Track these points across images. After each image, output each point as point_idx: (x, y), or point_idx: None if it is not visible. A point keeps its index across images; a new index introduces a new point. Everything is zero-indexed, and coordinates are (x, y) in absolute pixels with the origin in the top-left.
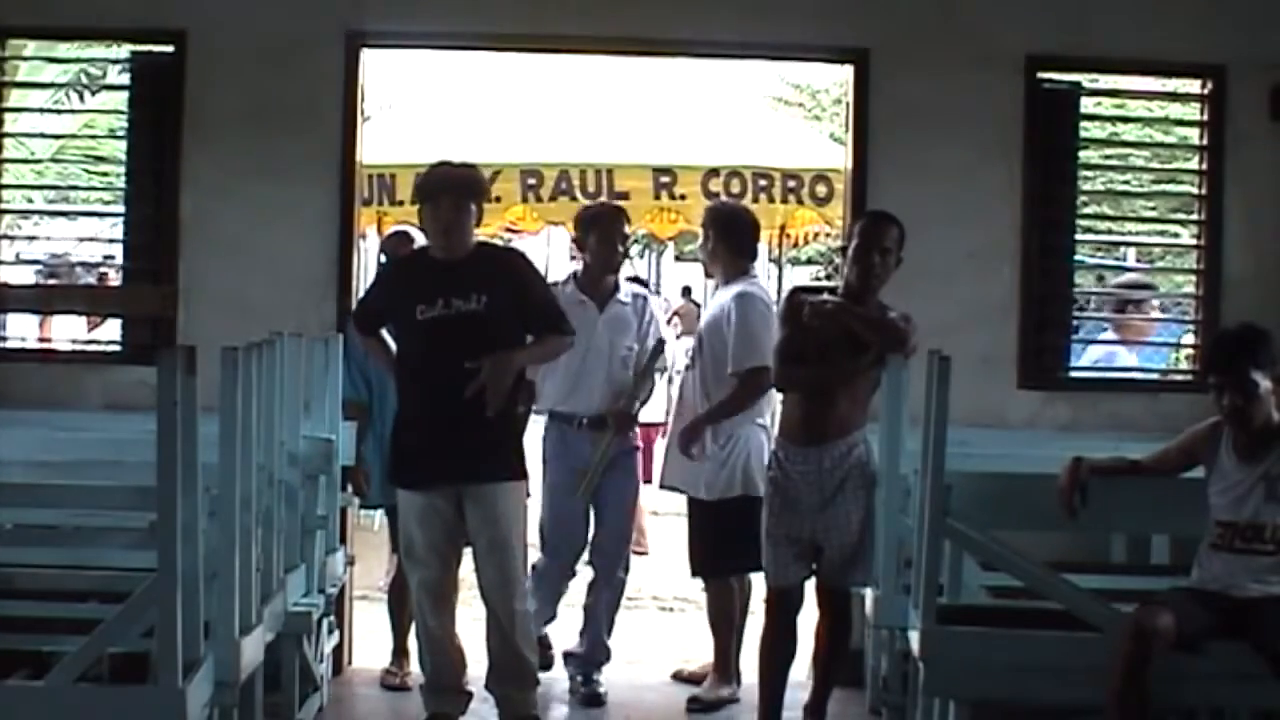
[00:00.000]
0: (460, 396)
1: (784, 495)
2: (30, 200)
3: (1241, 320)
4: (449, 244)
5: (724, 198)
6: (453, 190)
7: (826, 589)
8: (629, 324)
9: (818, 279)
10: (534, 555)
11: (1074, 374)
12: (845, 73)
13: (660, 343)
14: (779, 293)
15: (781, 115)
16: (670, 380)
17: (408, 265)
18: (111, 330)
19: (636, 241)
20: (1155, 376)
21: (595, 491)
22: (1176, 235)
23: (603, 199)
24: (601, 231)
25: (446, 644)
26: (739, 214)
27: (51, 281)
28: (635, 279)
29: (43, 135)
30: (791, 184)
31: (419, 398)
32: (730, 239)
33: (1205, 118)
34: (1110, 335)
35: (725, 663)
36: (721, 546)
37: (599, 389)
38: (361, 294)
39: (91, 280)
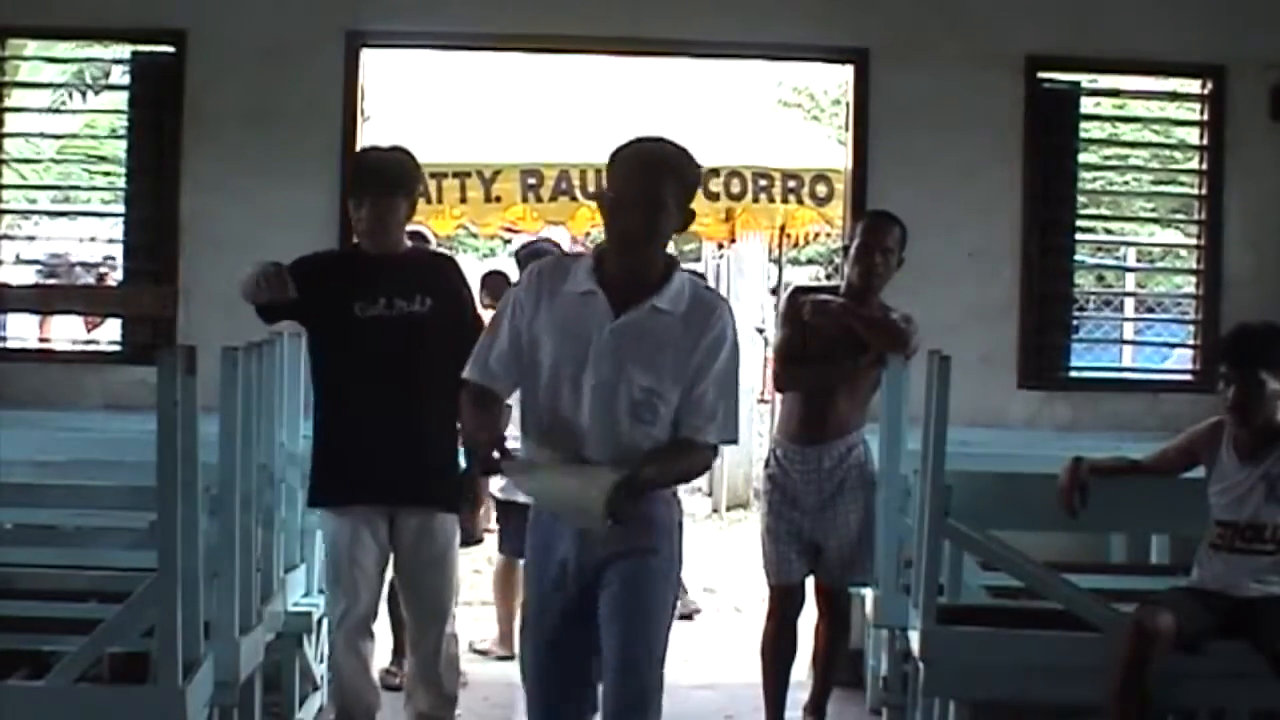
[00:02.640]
0: (405, 404)
1: (784, 493)
2: (32, 201)
3: (1248, 319)
4: (378, 240)
5: (724, 197)
6: (376, 183)
7: (826, 589)
8: None
9: (817, 279)
10: None
11: (1074, 374)
12: (845, 73)
13: None
14: (779, 293)
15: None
16: None
17: (331, 260)
18: (111, 330)
19: None
20: (1155, 376)
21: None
22: (1176, 235)
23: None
24: None
25: (366, 685)
26: None
27: (51, 281)
28: None
29: (43, 135)
30: (791, 184)
31: (356, 404)
32: None
33: (1205, 118)
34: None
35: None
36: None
37: None
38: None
39: (91, 280)
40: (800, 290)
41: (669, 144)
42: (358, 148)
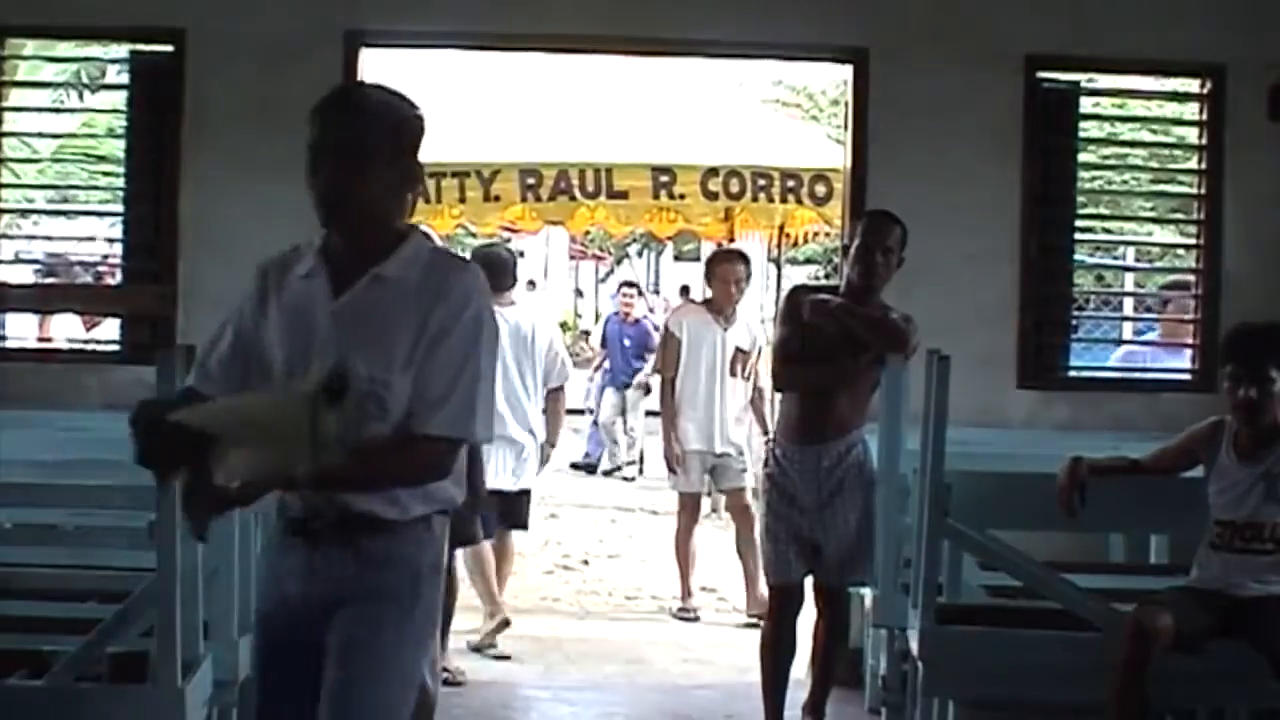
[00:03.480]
0: None
1: (783, 492)
2: (30, 200)
3: (1247, 318)
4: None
5: (723, 197)
6: None
7: (825, 588)
8: None
9: (816, 278)
10: None
11: (1073, 374)
12: (844, 72)
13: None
14: (778, 292)
15: (780, 115)
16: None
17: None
18: (110, 330)
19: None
20: (1155, 376)
21: None
22: (1175, 235)
23: (602, 198)
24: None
25: None
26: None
27: (50, 281)
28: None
29: (42, 135)
30: (790, 183)
31: None
32: None
33: (1204, 117)
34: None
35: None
36: None
37: None
38: None
39: (89, 279)
40: (800, 289)
41: (377, 88)
42: None
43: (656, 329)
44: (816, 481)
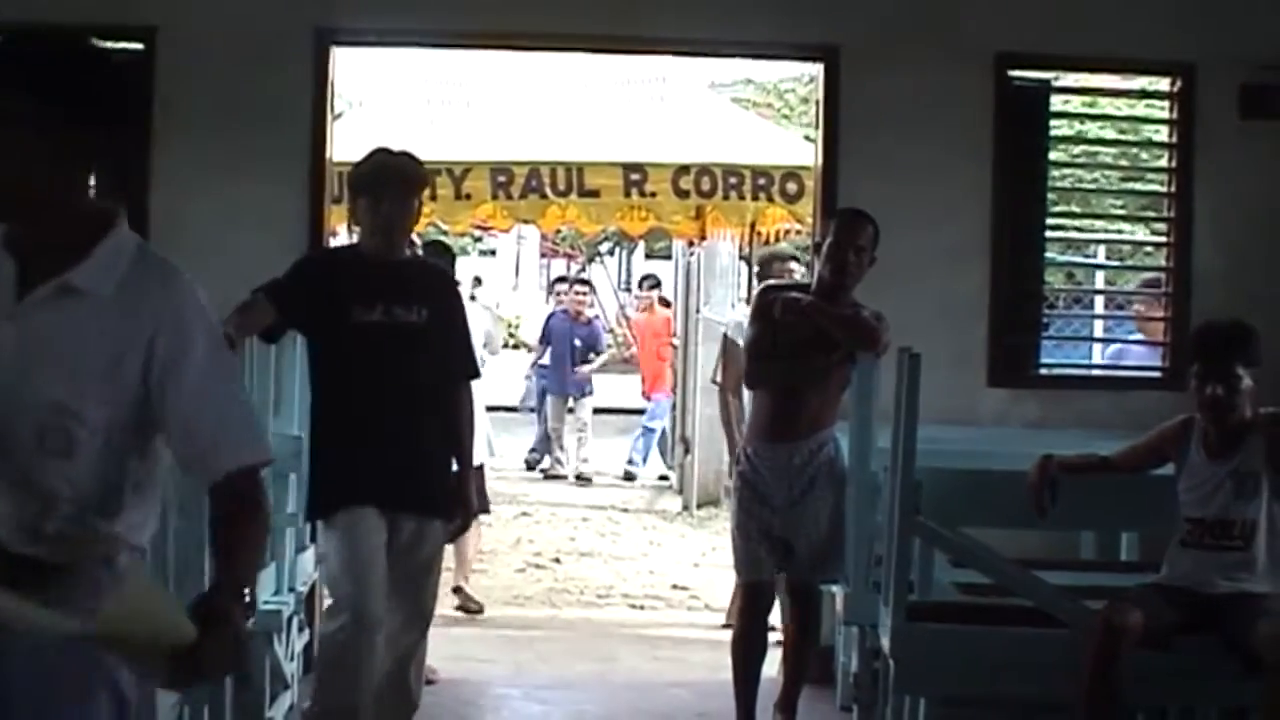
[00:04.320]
0: (403, 412)
1: (754, 490)
2: None
3: (1217, 316)
4: (390, 243)
5: (695, 195)
6: (397, 184)
7: (796, 587)
8: None
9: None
10: None
11: (1044, 372)
12: (815, 70)
13: None
14: (749, 290)
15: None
16: None
17: (335, 261)
18: None
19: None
20: (1124, 374)
21: None
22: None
23: (573, 196)
24: None
25: (367, 683)
26: None
27: None
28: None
29: None
30: (761, 181)
31: (357, 411)
32: None
33: (1175, 116)
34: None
35: None
36: None
37: None
38: (275, 279)
39: None
40: (771, 288)
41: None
42: (328, 146)
43: (609, 330)
44: (788, 480)
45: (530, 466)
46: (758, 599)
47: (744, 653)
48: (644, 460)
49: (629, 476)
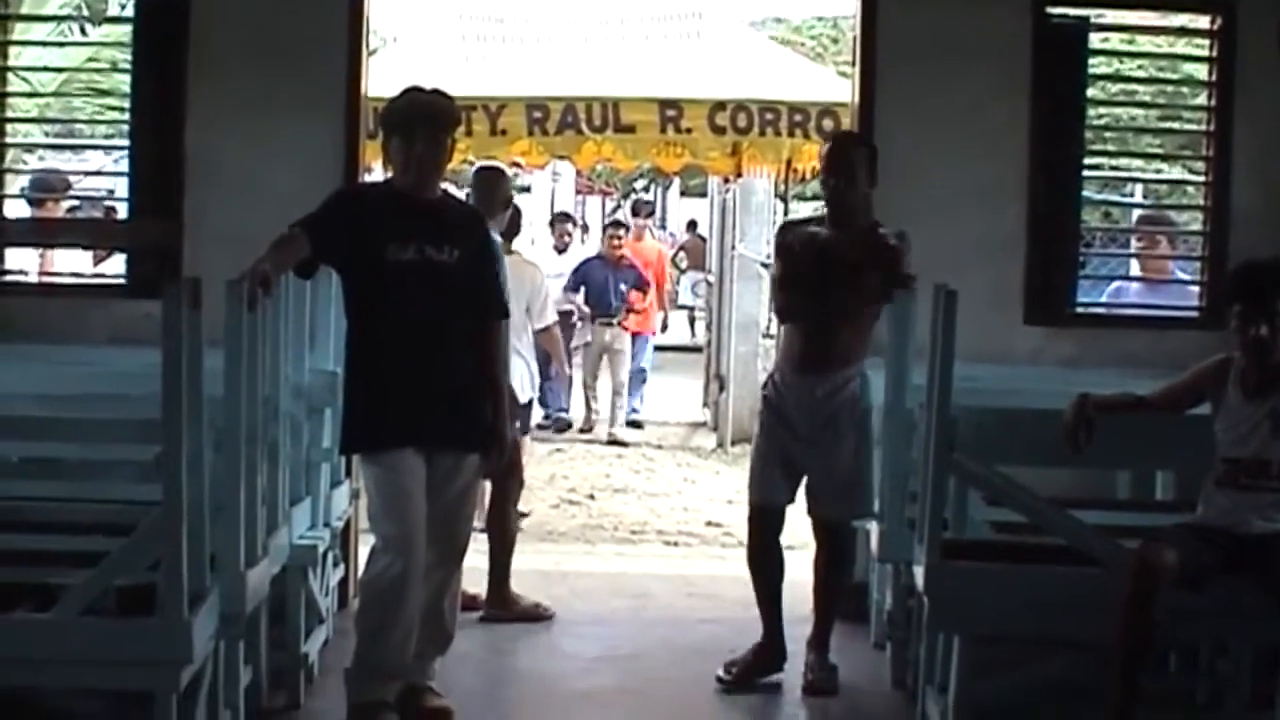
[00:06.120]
0: (438, 350)
1: (778, 416)
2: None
3: (1255, 255)
4: (423, 182)
5: (730, 131)
6: (429, 123)
7: (821, 522)
8: None
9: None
10: None
11: (1080, 310)
12: (846, 8)
13: None
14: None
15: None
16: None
17: (369, 198)
18: (116, 264)
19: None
20: (1161, 313)
21: None
22: (1184, 171)
23: (609, 132)
24: None
25: (412, 631)
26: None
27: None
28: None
29: (46, 69)
30: (798, 118)
31: (393, 349)
32: None
33: (1214, 54)
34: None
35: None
36: None
37: None
38: (311, 213)
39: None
40: (789, 225)
41: None
42: (362, 82)
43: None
44: (810, 410)
45: (557, 427)
46: (764, 521)
47: (757, 571)
48: (641, 403)
49: (635, 425)
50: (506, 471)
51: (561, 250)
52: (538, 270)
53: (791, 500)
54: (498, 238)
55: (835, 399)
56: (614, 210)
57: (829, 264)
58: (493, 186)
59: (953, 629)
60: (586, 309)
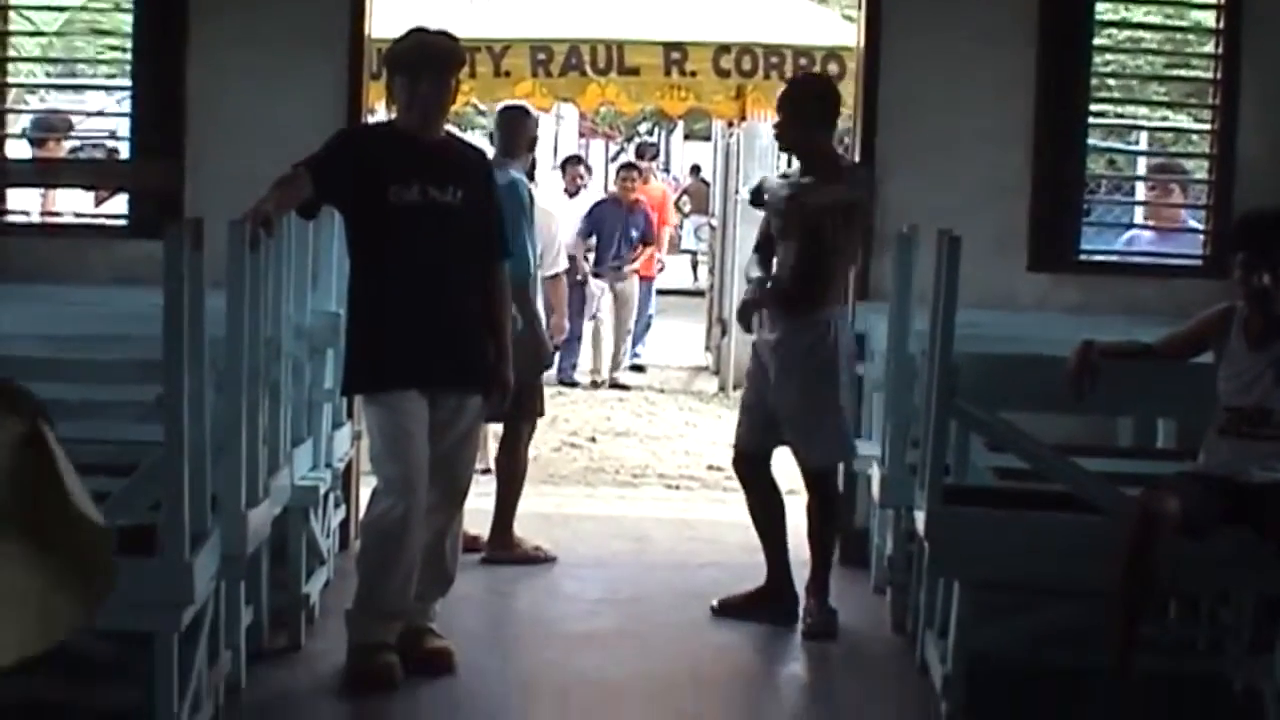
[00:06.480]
0: (441, 291)
1: (757, 363)
2: (49, 73)
3: (1261, 204)
4: (427, 123)
5: (735, 75)
6: (434, 64)
7: (801, 467)
8: None
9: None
10: None
11: (1084, 257)
12: None
13: None
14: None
15: None
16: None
17: (372, 138)
18: (119, 204)
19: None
20: (1166, 261)
21: None
22: (1190, 120)
23: (613, 74)
24: None
25: (413, 573)
26: None
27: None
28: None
29: (48, 8)
30: (803, 61)
31: (395, 290)
32: None
33: (1222, 1)
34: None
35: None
36: None
37: None
38: (314, 154)
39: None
40: (763, 181)
41: None
42: (366, 23)
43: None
44: (779, 358)
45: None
46: (742, 466)
47: (752, 516)
48: (644, 347)
49: (638, 369)
50: (519, 414)
51: (573, 194)
52: (552, 218)
53: (774, 445)
54: (523, 177)
55: (797, 343)
56: (618, 154)
57: (786, 216)
58: (518, 125)
59: (953, 574)
60: (589, 268)
